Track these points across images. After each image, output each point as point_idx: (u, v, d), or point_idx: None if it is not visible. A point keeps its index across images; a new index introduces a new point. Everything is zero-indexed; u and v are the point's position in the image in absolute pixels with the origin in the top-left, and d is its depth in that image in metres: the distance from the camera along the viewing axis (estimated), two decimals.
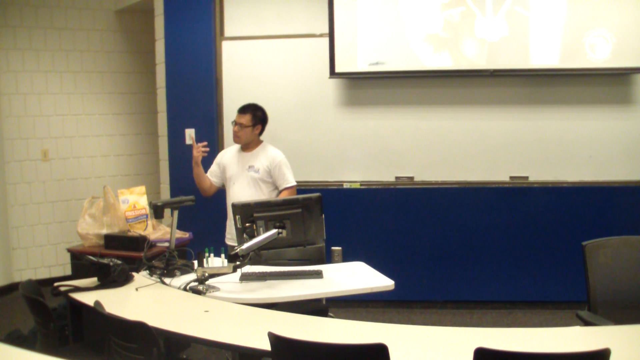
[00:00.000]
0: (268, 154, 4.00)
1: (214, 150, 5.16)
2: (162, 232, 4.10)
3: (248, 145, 4.04)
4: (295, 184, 4.01)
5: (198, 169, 4.02)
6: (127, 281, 3.08)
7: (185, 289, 2.97)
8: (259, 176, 3.95)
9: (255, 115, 4.00)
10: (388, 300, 5.00)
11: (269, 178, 3.97)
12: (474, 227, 5.02)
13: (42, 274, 5.86)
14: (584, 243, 2.93)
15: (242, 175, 3.98)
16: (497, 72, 4.85)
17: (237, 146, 4.12)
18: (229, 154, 4.12)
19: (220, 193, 4.39)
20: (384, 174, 5.10)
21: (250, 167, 3.98)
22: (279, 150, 4.06)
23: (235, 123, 3.99)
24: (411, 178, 5.08)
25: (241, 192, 3.94)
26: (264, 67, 5.16)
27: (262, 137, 4.11)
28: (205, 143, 3.98)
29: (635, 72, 4.81)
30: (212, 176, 4.11)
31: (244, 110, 4.01)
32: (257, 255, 3.17)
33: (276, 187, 4.01)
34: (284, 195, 3.90)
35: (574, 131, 4.96)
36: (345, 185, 5.11)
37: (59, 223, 6.00)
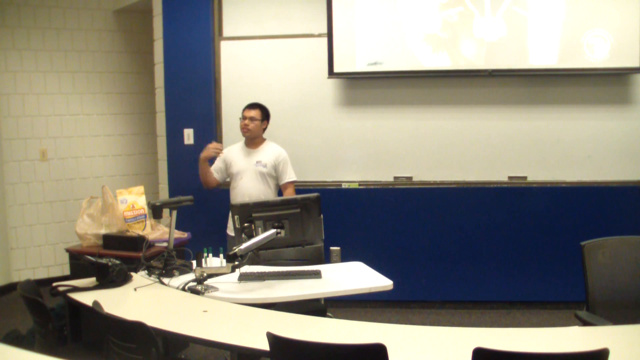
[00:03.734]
0: (274, 150, 4.34)
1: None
2: (161, 232, 4.09)
3: (254, 141, 4.35)
4: (296, 179, 4.37)
5: (205, 166, 4.33)
6: (125, 281, 3.08)
7: (183, 289, 2.97)
8: (266, 170, 4.27)
9: (263, 111, 4.34)
10: (386, 300, 4.99)
11: (274, 172, 4.29)
12: (472, 227, 5.02)
13: (41, 274, 5.85)
14: (582, 243, 2.94)
15: (249, 169, 4.28)
16: (496, 72, 4.85)
17: (240, 143, 4.41)
18: (234, 151, 4.40)
19: (221, 194, 4.41)
20: (382, 174, 5.10)
21: (258, 162, 4.28)
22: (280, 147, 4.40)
23: (243, 117, 4.29)
24: (410, 178, 5.08)
25: (249, 185, 4.26)
26: (263, 67, 5.16)
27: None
28: (220, 146, 4.35)
29: (633, 72, 4.81)
30: (215, 172, 4.37)
31: (252, 105, 4.35)
32: (255, 256, 3.17)
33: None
34: (287, 189, 4.31)
35: (572, 131, 4.96)
36: (344, 185, 5.10)
37: (58, 223, 5.99)
